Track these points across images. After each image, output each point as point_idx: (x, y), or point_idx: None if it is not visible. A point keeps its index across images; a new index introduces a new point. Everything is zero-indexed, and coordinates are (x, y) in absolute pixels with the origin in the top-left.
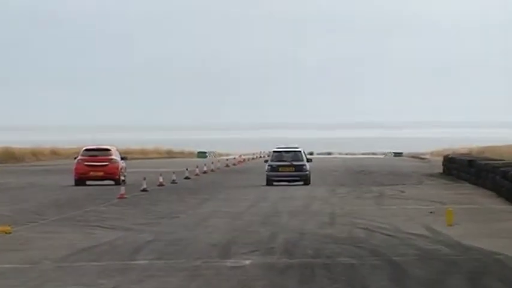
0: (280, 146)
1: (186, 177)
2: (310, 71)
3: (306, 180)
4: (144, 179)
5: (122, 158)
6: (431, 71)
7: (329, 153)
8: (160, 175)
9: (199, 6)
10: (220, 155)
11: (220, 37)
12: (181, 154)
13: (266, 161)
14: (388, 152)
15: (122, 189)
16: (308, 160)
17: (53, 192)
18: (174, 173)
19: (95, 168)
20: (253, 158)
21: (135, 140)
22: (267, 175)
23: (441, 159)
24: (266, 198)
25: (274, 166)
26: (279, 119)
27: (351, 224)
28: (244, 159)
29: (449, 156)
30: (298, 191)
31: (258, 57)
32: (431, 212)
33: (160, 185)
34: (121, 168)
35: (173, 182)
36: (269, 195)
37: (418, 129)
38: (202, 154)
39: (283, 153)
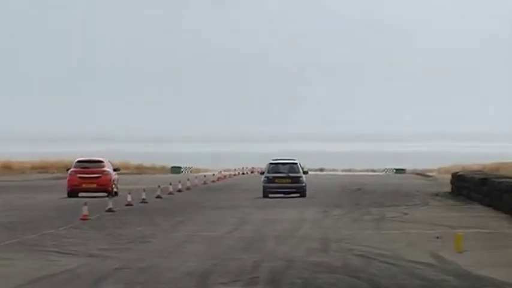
0: (277, 158)
1: (158, 196)
2: (292, 76)
3: (302, 192)
4: (109, 197)
5: (114, 170)
6: (433, 75)
7: (321, 170)
8: (129, 193)
9: None
10: (198, 170)
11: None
12: (153, 169)
13: (262, 173)
14: (388, 169)
15: (85, 210)
16: (304, 172)
17: (4, 213)
18: (144, 190)
19: (88, 180)
20: (234, 174)
21: (98, 152)
22: (263, 186)
23: (449, 176)
24: (250, 220)
25: (270, 178)
26: (263, 130)
27: (346, 250)
28: (224, 176)
29: (459, 173)
30: (286, 212)
31: (243, 60)
32: (437, 237)
33: (129, 204)
34: (113, 180)
35: (143, 201)
36: (253, 217)
37: (422, 142)
38: (176, 169)
39: (280, 165)
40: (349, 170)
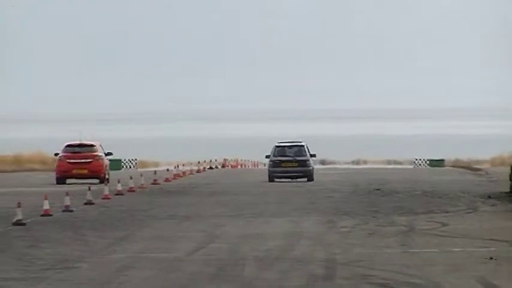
0: (283, 141)
1: (89, 202)
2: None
3: (310, 176)
4: (19, 205)
5: (107, 154)
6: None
7: (323, 163)
8: (46, 198)
9: None
10: (144, 164)
11: None
12: None
13: (267, 156)
14: (419, 160)
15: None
16: (312, 155)
17: None
18: (67, 194)
19: (79, 166)
20: (198, 170)
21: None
22: (269, 171)
23: (508, 170)
24: (221, 235)
25: (276, 161)
26: (231, 106)
27: (359, 277)
28: (184, 172)
29: None
30: (274, 224)
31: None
32: (490, 258)
33: (46, 214)
34: (106, 166)
35: (66, 209)
36: (226, 230)
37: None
38: (114, 163)
39: (286, 148)
40: (363, 162)
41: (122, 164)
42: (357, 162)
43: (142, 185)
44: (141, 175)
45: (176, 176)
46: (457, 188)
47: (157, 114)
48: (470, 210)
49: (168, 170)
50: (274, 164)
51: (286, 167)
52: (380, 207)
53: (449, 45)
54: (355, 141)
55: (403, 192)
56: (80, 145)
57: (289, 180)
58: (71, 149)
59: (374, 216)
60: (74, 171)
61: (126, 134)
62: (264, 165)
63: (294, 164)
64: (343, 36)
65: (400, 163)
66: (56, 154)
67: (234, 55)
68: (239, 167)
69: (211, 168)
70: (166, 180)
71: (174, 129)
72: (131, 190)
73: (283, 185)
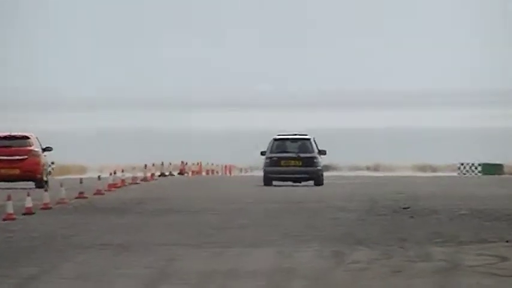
0: (283, 133)
1: None
2: None
3: (318, 179)
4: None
5: (45, 149)
6: None
7: (326, 168)
8: None
9: None
10: (66, 170)
11: None
12: None
13: (263, 153)
14: (468, 165)
15: None
16: (321, 152)
17: None
18: None
19: (8, 165)
20: (144, 179)
21: None
22: (264, 171)
23: None
24: (176, 272)
25: (274, 159)
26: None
27: None
28: (123, 181)
29: None
30: (255, 255)
31: None
32: None
33: None
34: (43, 165)
35: None
36: (184, 265)
37: None
38: None
39: (288, 142)
40: (384, 168)
41: None
42: (375, 168)
43: (62, 199)
44: (61, 185)
45: (112, 186)
46: None
47: (81, 99)
48: None
49: (100, 177)
50: (271, 163)
51: (287, 166)
52: (409, 234)
53: None
54: (371, 137)
55: (443, 212)
56: (9, 137)
57: (291, 183)
58: None
59: (400, 247)
60: (2, 171)
61: (36, 124)
62: (241, 171)
63: (298, 163)
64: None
65: (437, 169)
66: None
67: None
68: (204, 173)
69: (163, 175)
70: (98, 192)
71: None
72: (46, 207)
73: (268, 198)
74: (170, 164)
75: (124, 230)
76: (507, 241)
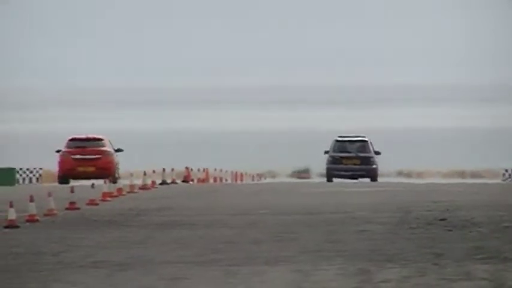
0: (344, 135)
1: None
2: None
3: (373, 176)
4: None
5: (117, 150)
6: None
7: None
8: None
9: None
10: (55, 177)
11: None
12: None
13: (327, 152)
14: None
15: None
16: (376, 153)
17: None
18: None
19: (85, 163)
20: (143, 187)
21: None
22: (327, 168)
23: None
24: None
25: (336, 158)
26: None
27: None
28: (121, 190)
29: None
30: (270, 274)
31: None
32: None
33: None
34: (116, 163)
35: None
36: (191, 286)
37: None
38: (5, 175)
39: (348, 143)
40: (417, 174)
41: (17, 175)
42: (406, 174)
43: (50, 210)
44: (49, 194)
45: (107, 195)
46: None
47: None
48: None
49: (93, 185)
50: (334, 161)
51: (347, 164)
52: (446, 249)
53: None
54: (401, 138)
55: (485, 225)
56: (87, 139)
57: (350, 180)
58: (76, 143)
59: (436, 264)
60: (79, 168)
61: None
62: (253, 178)
63: (356, 161)
64: None
65: (479, 175)
66: (58, 151)
67: None
68: (211, 181)
69: (164, 183)
70: (91, 202)
71: (102, 118)
72: (32, 219)
73: (285, 209)
74: (173, 170)
75: (121, 246)
76: None
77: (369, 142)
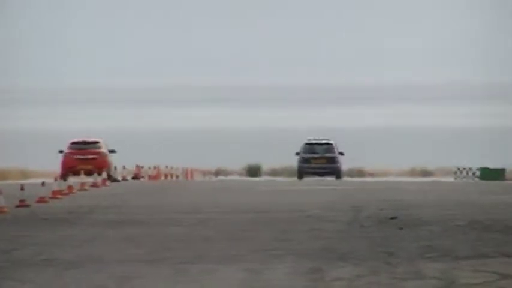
0: (312, 138)
1: None
2: None
3: (338, 174)
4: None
5: (111, 151)
6: None
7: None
8: None
9: None
10: (5, 175)
11: None
12: None
13: (298, 153)
14: (465, 169)
15: None
16: (340, 153)
17: None
18: None
19: (84, 162)
20: (94, 185)
21: None
22: (298, 167)
23: None
24: None
25: (306, 158)
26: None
27: None
28: (71, 188)
29: None
30: (221, 273)
31: None
32: None
33: None
34: (110, 163)
35: None
36: (141, 285)
37: None
38: None
39: (316, 146)
40: (369, 174)
41: None
42: (359, 173)
43: (1, 208)
44: (0, 192)
45: (57, 193)
46: None
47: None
48: None
49: (44, 183)
50: (303, 160)
51: (315, 163)
52: (398, 248)
53: None
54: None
55: (436, 223)
56: (85, 142)
57: (318, 177)
58: (76, 145)
59: (388, 262)
60: (80, 166)
61: None
62: (205, 175)
63: (323, 161)
64: None
65: (430, 174)
66: (61, 151)
67: None
68: (162, 177)
69: (115, 180)
70: (41, 200)
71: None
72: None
73: (237, 208)
74: (124, 167)
75: (72, 244)
76: (509, 256)
77: (333, 144)
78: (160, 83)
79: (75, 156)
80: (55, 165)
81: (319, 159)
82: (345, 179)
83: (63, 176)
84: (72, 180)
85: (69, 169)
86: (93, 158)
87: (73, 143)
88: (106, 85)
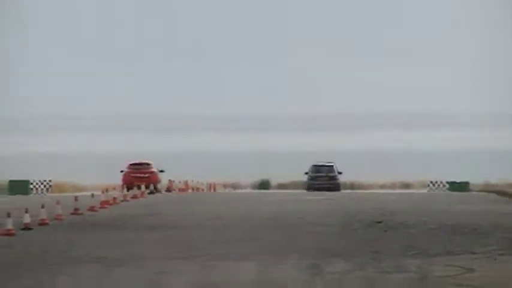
0: (318, 162)
1: None
2: None
3: (337, 188)
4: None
5: (161, 171)
6: None
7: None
8: None
9: None
10: (62, 188)
11: None
12: None
13: (306, 173)
14: (436, 183)
15: None
16: (339, 173)
17: None
18: None
19: (140, 179)
20: (134, 197)
21: None
22: (308, 183)
23: None
24: (168, 284)
25: (313, 176)
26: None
27: None
28: (115, 199)
29: None
30: (238, 267)
31: None
32: None
33: None
34: (160, 180)
35: None
36: (175, 278)
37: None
38: (20, 186)
39: (320, 167)
40: (359, 186)
41: (31, 186)
42: (350, 186)
43: (58, 215)
44: (57, 202)
45: (104, 203)
46: (487, 221)
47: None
48: (504, 251)
49: (93, 195)
50: (311, 178)
51: (320, 180)
52: (382, 247)
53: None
54: (347, 157)
55: (414, 226)
56: (140, 163)
57: (323, 191)
58: (134, 166)
59: (374, 259)
60: (136, 182)
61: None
62: (225, 188)
63: (326, 179)
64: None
65: (408, 186)
66: (122, 171)
67: None
68: (190, 190)
69: (151, 193)
70: (91, 209)
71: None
72: (43, 223)
73: (250, 216)
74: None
75: (117, 245)
76: (473, 253)
77: (334, 166)
78: (195, 113)
79: (132, 175)
80: (102, 180)
81: (323, 178)
82: (343, 191)
83: (126, 188)
84: (117, 193)
85: (128, 184)
86: (147, 177)
87: (131, 164)
88: (144, 113)
